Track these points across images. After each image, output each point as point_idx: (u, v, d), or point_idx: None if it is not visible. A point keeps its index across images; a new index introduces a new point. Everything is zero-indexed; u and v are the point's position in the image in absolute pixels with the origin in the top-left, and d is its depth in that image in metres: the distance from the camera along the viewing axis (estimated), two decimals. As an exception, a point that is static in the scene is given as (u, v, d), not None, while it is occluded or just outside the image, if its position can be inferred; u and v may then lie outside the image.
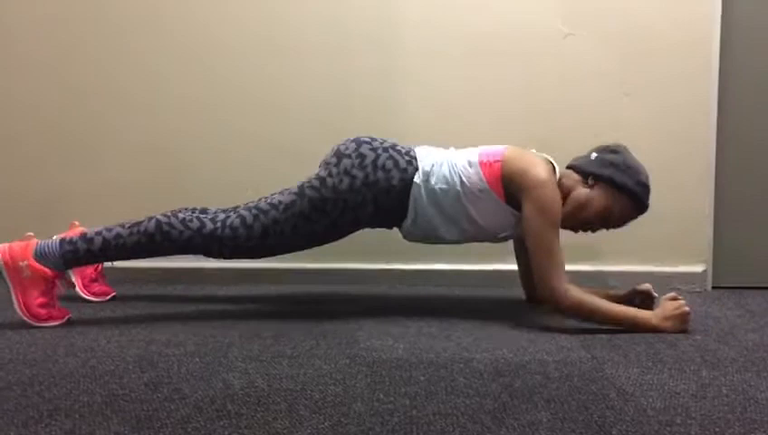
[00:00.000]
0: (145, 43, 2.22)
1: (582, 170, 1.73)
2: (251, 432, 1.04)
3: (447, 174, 1.71)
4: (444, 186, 1.70)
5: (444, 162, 1.73)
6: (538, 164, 1.66)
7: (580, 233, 1.78)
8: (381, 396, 1.19)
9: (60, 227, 1.90)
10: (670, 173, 2.19)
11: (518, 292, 2.03)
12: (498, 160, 1.69)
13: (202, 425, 1.06)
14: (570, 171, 1.76)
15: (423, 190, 1.71)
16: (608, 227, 1.76)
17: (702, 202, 2.22)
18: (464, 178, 1.70)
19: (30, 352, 1.44)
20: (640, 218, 2.20)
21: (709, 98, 2.19)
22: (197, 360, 1.40)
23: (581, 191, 1.71)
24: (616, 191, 1.69)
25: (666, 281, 2.16)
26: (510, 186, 1.68)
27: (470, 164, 1.71)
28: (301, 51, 2.21)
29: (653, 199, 2.20)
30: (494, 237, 1.77)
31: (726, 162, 2.22)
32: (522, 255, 1.92)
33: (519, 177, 1.66)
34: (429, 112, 2.21)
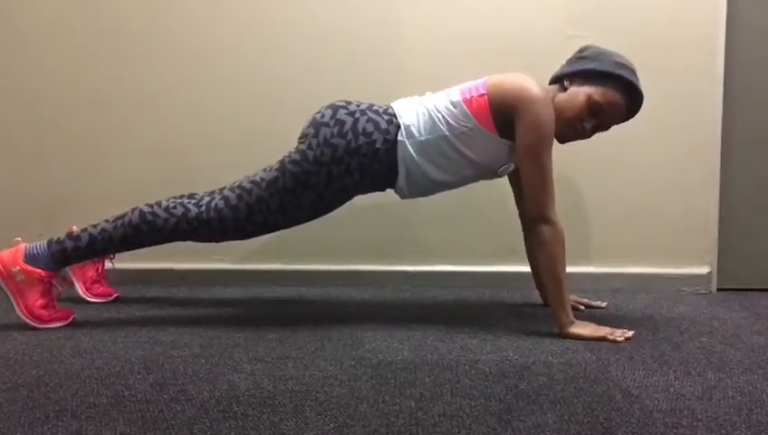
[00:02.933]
0: (151, 46, 2.22)
1: (557, 77, 1.69)
2: (257, 433, 1.04)
3: (431, 122, 1.64)
4: (431, 136, 1.64)
5: (425, 111, 1.66)
6: (525, 80, 1.60)
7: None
8: (387, 398, 1.19)
9: (64, 228, 1.90)
10: (675, 175, 2.19)
11: (523, 294, 2.02)
12: (482, 94, 1.62)
13: (208, 426, 1.06)
14: (550, 87, 1.70)
15: (410, 146, 1.64)
16: (603, 126, 1.66)
17: (707, 204, 2.21)
18: (450, 121, 1.63)
19: (36, 353, 1.44)
20: (645, 220, 2.21)
21: (714, 99, 2.18)
22: (203, 361, 1.40)
23: (560, 95, 1.64)
24: (593, 80, 1.62)
25: (670, 283, 2.15)
26: (501, 114, 1.61)
27: (453, 105, 1.65)
28: (305, 53, 2.21)
29: (659, 200, 2.20)
30: (495, 173, 1.72)
31: (731, 164, 2.22)
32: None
33: (510, 98, 1.59)
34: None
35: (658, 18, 2.17)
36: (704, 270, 2.23)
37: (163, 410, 1.13)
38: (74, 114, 2.24)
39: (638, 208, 2.20)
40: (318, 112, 1.70)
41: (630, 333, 1.59)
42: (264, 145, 2.23)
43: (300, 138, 1.71)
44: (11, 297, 1.64)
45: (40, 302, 1.64)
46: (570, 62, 1.70)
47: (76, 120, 2.24)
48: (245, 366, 1.36)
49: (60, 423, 1.07)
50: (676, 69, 2.18)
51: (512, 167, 1.73)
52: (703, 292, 2.21)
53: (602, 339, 1.57)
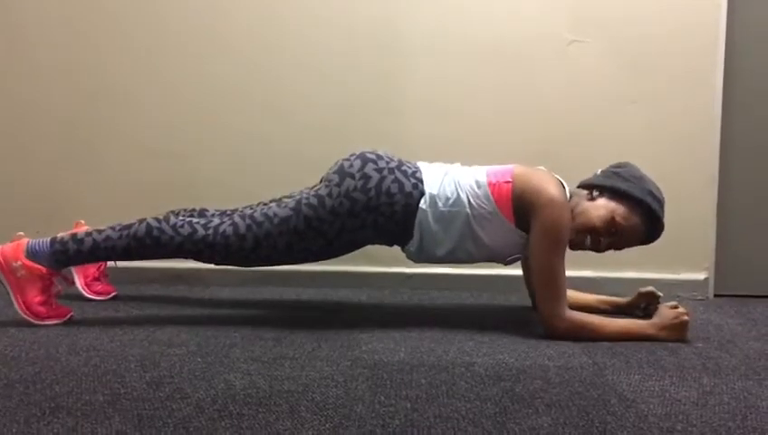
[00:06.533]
0: (153, 47, 2.23)
1: (588, 185, 1.71)
2: (252, 433, 1.04)
3: (455, 196, 1.65)
4: (452, 209, 1.65)
5: (451, 182, 1.67)
6: (550, 182, 1.61)
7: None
8: (382, 399, 1.20)
9: (66, 227, 1.90)
10: (674, 180, 2.18)
11: (520, 297, 2.03)
12: (508, 181, 1.64)
13: (203, 425, 1.07)
14: (578, 190, 1.73)
15: (430, 215, 1.65)
16: (618, 245, 1.68)
17: (705, 210, 2.21)
18: (471, 200, 1.64)
19: (33, 350, 1.44)
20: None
21: (713, 106, 2.19)
22: (199, 360, 1.40)
23: (586, 205, 1.67)
24: (622, 200, 1.64)
25: (668, 288, 2.15)
26: (520, 207, 1.62)
27: (478, 185, 1.66)
28: (305, 55, 2.21)
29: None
30: (503, 260, 1.73)
31: (730, 170, 2.22)
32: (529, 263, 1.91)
33: (530, 195, 1.60)
34: (432, 118, 2.21)
35: (658, 24, 2.18)
36: (701, 276, 2.23)
37: (159, 409, 1.13)
38: (75, 114, 2.25)
39: (636, 213, 2.20)
40: (347, 160, 1.69)
41: (686, 317, 1.63)
42: (264, 146, 2.24)
43: (323, 180, 1.71)
44: (10, 292, 1.64)
45: (38, 298, 1.64)
46: (605, 173, 1.72)
47: (77, 120, 2.25)
48: (242, 366, 1.37)
49: (55, 420, 1.07)
50: (676, 75, 2.19)
51: (519, 258, 1.76)
52: (700, 298, 2.21)
53: (685, 328, 1.62)
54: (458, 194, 1.65)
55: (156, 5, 2.22)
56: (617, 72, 2.20)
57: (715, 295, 2.23)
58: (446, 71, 2.21)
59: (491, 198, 1.64)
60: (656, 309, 1.72)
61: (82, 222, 1.93)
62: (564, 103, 2.20)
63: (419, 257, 1.75)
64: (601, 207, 1.64)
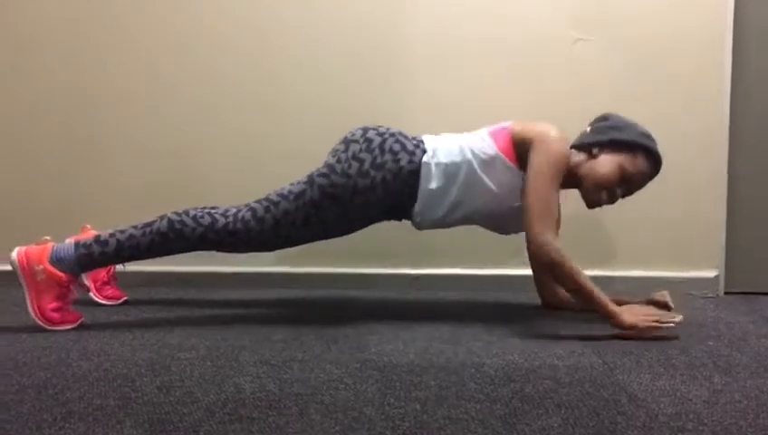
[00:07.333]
0: (153, 47, 2.24)
1: (584, 144, 1.75)
2: (262, 436, 1.04)
3: (457, 148, 1.72)
4: (455, 159, 1.70)
5: (451, 140, 1.75)
6: (549, 126, 1.68)
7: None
8: (392, 401, 1.20)
9: (71, 230, 1.92)
10: (683, 178, 2.18)
11: (529, 296, 2.02)
12: (506, 128, 1.72)
13: (214, 429, 1.07)
14: (574, 151, 1.76)
15: (433, 168, 1.70)
16: (631, 191, 1.75)
17: (714, 207, 2.20)
18: (474, 149, 1.71)
19: (44, 356, 1.45)
20: (652, 223, 2.21)
21: (721, 102, 2.18)
22: (209, 364, 1.40)
23: (590, 163, 1.72)
24: (623, 149, 1.70)
25: (678, 286, 2.14)
26: (521, 147, 1.68)
27: (479, 137, 1.74)
28: (307, 56, 2.22)
29: (666, 204, 2.20)
30: (510, 208, 1.73)
31: (739, 167, 2.21)
32: None
33: (530, 133, 1.67)
34: (435, 118, 2.21)
35: (665, 22, 2.17)
36: (711, 274, 2.22)
37: (169, 413, 1.13)
38: (76, 115, 2.26)
39: (646, 212, 2.19)
40: (350, 132, 1.78)
41: (679, 318, 1.61)
42: (265, 145, 2.24)
43: (330, 153, 1.79)
44: (26, 293, 1.64)
45: (53, 305, 1.65)
46: (596, 129, 1.76)
47: (78, 121, 2.26)
48: (251, 369, 1.37)
49: (67, 425, 1.08)
50: (683, 72, 2.18)
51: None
52: (710, 295, 2.20)
53: (656, 328, 1.60)
54: (460, 146, 1.72)
55: (156, 5, 2.23)
56: (622, 70, 2.19)
57: (726, 293, 2.22)
58: (448, 70, 2.21)
59: (492, 143, 1.71)
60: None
61: (89, 226, 1.94)
62: (570, 102, 2.19)
63: (426, 217, 1.76)
64: (607, 163, 1.70)
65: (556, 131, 1.67)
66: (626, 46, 2.19)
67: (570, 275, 1.61)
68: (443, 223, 1.79)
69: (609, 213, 2.18)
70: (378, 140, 1.72)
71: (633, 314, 1.61)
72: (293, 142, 2.23)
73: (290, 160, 2.19)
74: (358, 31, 2.22)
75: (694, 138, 2.19)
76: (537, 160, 1.64)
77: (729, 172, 2.20)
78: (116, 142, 2.27)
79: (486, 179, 1.70)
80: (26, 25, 2.24)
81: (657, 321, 1.60)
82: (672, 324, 1.59)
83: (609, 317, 1.61)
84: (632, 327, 1.59)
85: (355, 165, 1.69)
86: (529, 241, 1.64)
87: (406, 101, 2.21)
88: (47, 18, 2.24)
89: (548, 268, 1.63)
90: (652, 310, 1.66)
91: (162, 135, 2.26)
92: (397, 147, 1.72)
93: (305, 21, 2.22)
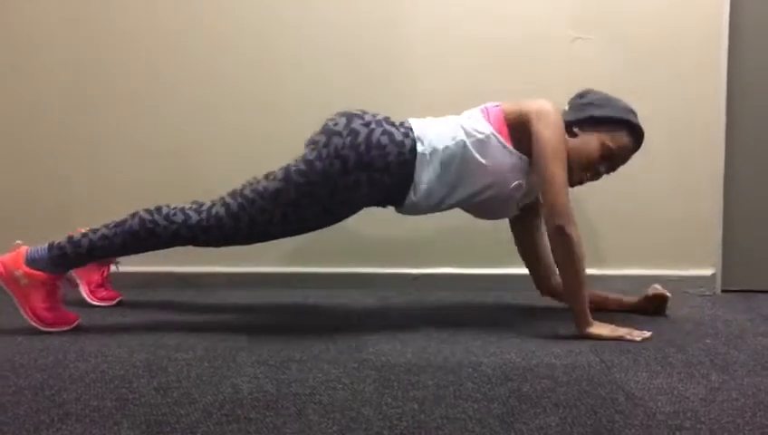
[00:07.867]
0: (153, 47, 2.23)
1: (564, 123, 1.68)
2: (260, 437, 1.04)
3: (450, 131, 1.65)
4: (448, 143, 1.63)
5: (442, 122, 1.69)
6: (544, 100, 1.65)
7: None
8: (390, 400, 1.20)
9: (71, 230, 1.90)
10: (679, 176, 2.19)
11: (526, 295, 2.02)
12: (498, 105, 1.68)
13: (211, 429, 1.07)
14: None
15: (428, 157, 1.62)
16: (614, 167, 1.71)
17: (711, 205, 2.20)
18: (466, 129, 1.65)
19: (41, 357, 1.45)
20: (649, 222, 2.21)
21: (718, 100, 2.18)
22: (207, 364, 1.40)
23: (572, 142, 1.66)
24: (603, 126, 1.66)
25: (675, 284, 2.14)
26: (516, 125, 1.64)
27: (469, 116, 1.69)
28: (307, 56, 2.22)
29: (662, 202, 2.20)
30: (508, 189, 1.67)
31: (736, 165, 2.21)
32: (524, 238, 1.89)
33: (526, 108, 1.63)
34: (435, 116, 2.21)
35: (662, 20, 2.17)
36: (708, 272, 2.22)
37: (167, 414, 1.13)
38: (76, 115, 2.25)
39: (642, 210, 2.20)
40: (331, 120, 1.66)
41: (648, 334, 1.59)
42: (265, 146, 2.23)
43: (308, 144, 1.66)
44: (16, 301, 1.65)
45: (44, 304, 1.65)
46: (574, 107, 1.73)
47: (78, 121, 2.25)
48: (249, 369, 1.37)
49: (64, 427, 1.07)
50: (680, 71, 2.18)
51: (520, 204, 1.76)
52: (707, 293, 2.20)
53: (620, 338, 1.57)
54: (453, 128, 1.66)
55: (156, 5, 2.22)
56: (620, 69, 2.19)
57: (723, 291, 2.22)
58: (448, 70, 2.21)
59: (485, 122, 1.66)
60: (662, 310, 1.76)
61: (82, 230, 1.93)
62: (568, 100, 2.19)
63: (419, 206, 1.69)
64: (589, 141, 1.66)
65: (552, 104, 1.63)
66: (623, 45, 2.19)
67: (575, 265, 1.58)
68: (438, 208, 1.72)
69: (606, 211, 2.20)
70: (364, 132, 1.60)
71: (604, 328, 1.61)
72: (293, 142, 2.22)
73: (290, 160, 2.19)
74: (358, 31, 2.21)
75: (690, 135, 2.19)
76: (545, 134, 1.58)
77: (726, 170, 2.20)
78: (116, 142, 2.26)
79: (483, 160, 1.63)
80: (26, 25, 2.24)
81: (623, 335, 1.59)
82: (639, 339, 1.57)
83: (580, 321, 1.60)
84: (598, 338, 1.59)
85: (337, 163, 1.58)
86: (554, 214, 1.56)
87: (406, 101, 2.20)
88: (46, 18, 2.23)
89: (563, 246, 1.57)
90: (622, 330, 1.62)
91: (162, 135, 2.26)
92: (384, 139, 1.60)
93: (305, 21, 2.22)
